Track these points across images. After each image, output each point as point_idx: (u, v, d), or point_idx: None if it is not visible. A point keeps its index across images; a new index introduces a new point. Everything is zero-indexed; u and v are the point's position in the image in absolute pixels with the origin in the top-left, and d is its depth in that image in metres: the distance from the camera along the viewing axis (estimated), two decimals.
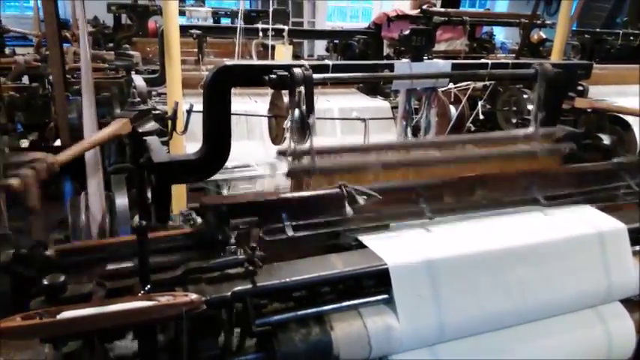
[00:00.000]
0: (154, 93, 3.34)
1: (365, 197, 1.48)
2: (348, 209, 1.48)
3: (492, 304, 1.42)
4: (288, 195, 1.52)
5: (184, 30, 3.88)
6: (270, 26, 3.98)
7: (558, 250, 1.53)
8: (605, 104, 3.41)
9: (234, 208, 1.36)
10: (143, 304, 1.06)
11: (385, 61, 2.04)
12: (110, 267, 1.22)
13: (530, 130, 2.01)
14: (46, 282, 1.10)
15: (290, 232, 1.41)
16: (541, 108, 1.99)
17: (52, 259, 1.22)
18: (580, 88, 3.66)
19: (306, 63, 1.69)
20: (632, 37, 5.27)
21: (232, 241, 1.30)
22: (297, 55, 5.75)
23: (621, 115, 3.54)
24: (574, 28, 5.34)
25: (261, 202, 1.45)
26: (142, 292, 1.13)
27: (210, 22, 6.60)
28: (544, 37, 5.61)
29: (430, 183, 1.67)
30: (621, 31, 5.41)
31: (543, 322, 1.53)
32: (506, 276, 1.45)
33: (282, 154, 1.66)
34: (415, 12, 5.63)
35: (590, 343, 1.60)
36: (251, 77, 1.72)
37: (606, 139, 3.58)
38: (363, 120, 3.34)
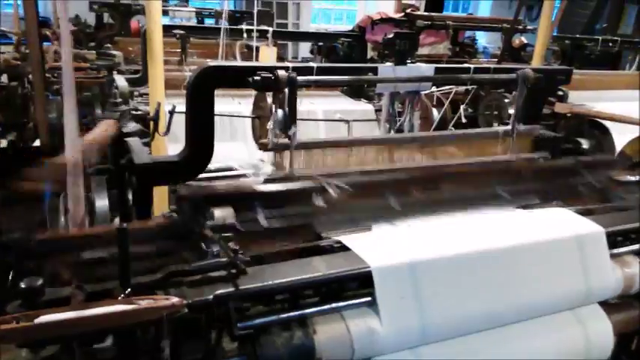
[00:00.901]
0: (136, 93, 3.31)
1: (337, 190, 1.49)
2: (320, 201, 1.48)
3: (474, 306, 1.43)
4: (263, 187, 1.51)
5: (167, 30, 3.85)
6: (254, 27, 3.98)
7: (538, 252, 1.55)
8: (584, 109, 3.47)
9: (209, 198, 1.36)
10: (123, 308, 1.05)
11: (369, 64, 2.05)
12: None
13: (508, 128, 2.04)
14: (23, 285, 1.08)
15: (263, 222, 1.40)
16: (521, 112, 2.02)
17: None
18: (560, 93, 3.72)
19: (290, 65, 1.69)
20: (611, 44, 5.37)
21: (209, 232, 1.29)
22: (281, 57, 5.74)
23: (600, 120, 3.61)
24: (555, 34, 5.42)
25: (236, 193, 1.44)
26: (122, 295, 1.11)
27: (193, 23, 6.56)
28: (525, 42, 5.68)
29: (401, 178, 1.70)
30: (600, 38, 5.50)
31: (523, 323, 1.54)
32: (487, 278, 1.46)
33: (263, 146, 1.65)
34: (399, 15, 5.66)
35: (568, 345, 1.62)
36: (235, 78, 1.71)
37: (585, 144, 3.65)
38: (347, 122, 3.35)
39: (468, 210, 1.68)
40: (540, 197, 1.81)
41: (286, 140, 1.65)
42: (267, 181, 1.61)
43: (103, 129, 1.88)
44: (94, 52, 4.30)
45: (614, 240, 1.71)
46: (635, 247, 1.76)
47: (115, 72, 3.34)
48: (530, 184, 1.83)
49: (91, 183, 2.21)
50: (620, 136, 3.54)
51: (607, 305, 1.72)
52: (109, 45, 4.20)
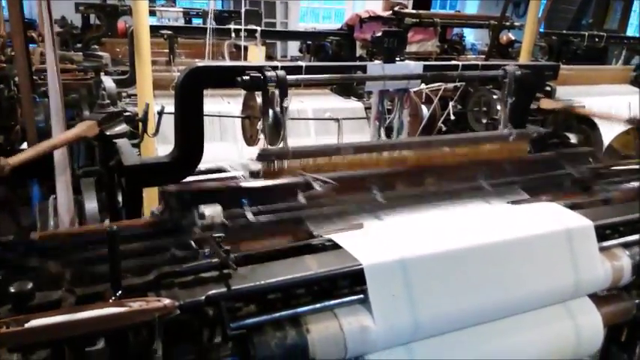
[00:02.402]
0: (124, 94, 3.29)
1: (322, 185, 1.50)
2: (305, 197, 1.49)
3: (465, 301, 1.44)
4: (250, 183, 1.51)
5: (155, 30, 3.82)
6: (242, 27, 3.96)
7: (528, 246, 1.57)
8: (567, 105, 3.50)
9: (197, 195, 1.35)
10: (114, 311, 1.04)
11: (358, 63, 2.05)
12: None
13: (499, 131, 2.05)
14: (13, 290, 1.07)
15: (251, 217, 1.40)
16: (510, 108, 2.03)
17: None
18: (548, 88, 3.76)
19: (279, 64, 1.69)
20: (597, 39, 5.42)
21: (197, 229, 1.29)
22: (270, 56, 5.73)
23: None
24: (541, 30, 5.46)
25: (224, 190, 1.44)
26: (114, 298, 1.11)
27: (181, 23, 6.53)
28: (513, 38, 5.72)
29: (388, 172, 1.70)
30: (587, 33, 5.55)
31: (514, 317, 1.56)
32: (478, 273, 1.47)
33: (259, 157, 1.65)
34: (387, 13, 5.67)
35: (559, 338, 1.63)
36: (223, 78, 1.71)
37: (573, 138, 3.68)
38: (337, 120, 3.35)
39: (458, 204, 1.69)
40: (529, 191, 1.82)
41: (280, 146, 1.64)
42: (253, 175, 1.61)
43: (80, 130, 1.87)
44: (80, 53, 4.26)
45: (603, 233, 1.73)
46: (623, 239, 1.78)
47: (102, 73, 3.32)
48: (517, 177, 1.84)
49: (80, 185, 2.20)
50: (608, 130, 3.59)
51: (596, 297, 1.74)
52: (95, 46, 4.17)
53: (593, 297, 1.72)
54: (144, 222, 1.36)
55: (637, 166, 2.10)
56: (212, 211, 1.29)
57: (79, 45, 6.02)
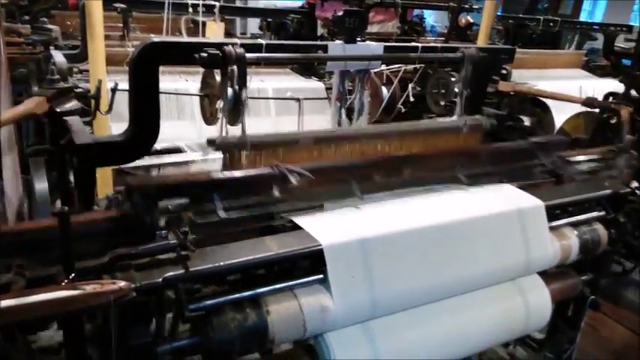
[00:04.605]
0: (75, 70, 3.15)
1: (297, 177, 1.49)
2: (280, 189, 1.48)
3: (422, 280, 1.48)
4: (220, 175, 1.49)
5: (108, 3, 3.67)
6: (200, 2, 3.85)
7: (482, 226, 1.61)
8: (526, 87, 3.59)
9: (163, 189, 1.32)
10: (67, 294, 1.01)
11: (319, 42, 2.03)
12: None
13: (455, 117, 2.09)
14: None
15: (222, 214, 1.39)
16: (467, 91, 2.06)
17: None
18: (504, 71, 3.84)
19: (238, 41, 1.65)
20: (551, 24, 5.54)
21: (162, 225, 1.26)
22: (229, 33, 5.60)
23: (541, 98, 3.75)
24: (499, 13, 5.54)
25: (192, 183, 1.41)
26: (66, 280, 1.07)
27: None
28: (471, 21, 5.79)
29: (359, 163, 1.71)
30: (542, 18, 5.67)
31: (469, 294, 1.61)
32: (434, 252, 1.50)
33: (211, 143, 1.61)
34: None
35: (510, 313, 1.71)
36: (180, 55, 1.65)
37: (527, 121, 3.79)
38: (298, 100, 3.33)
39: (418, 191, 1.71)
40: (485, 174, 1.86)
41: (238, 134, 1.61)
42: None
43: (29, 107, 1.78)
44: (28, 26, 4.05)
45: (553, 213, 1.80)
46: (572, 219, 1.86)
47: (52, 47, 3.17)
48: (484, 166, 1.88)
49: (29, 164, 2.11)
50: (560, 114, 3.71)
51: (545, 275, 1.82)
52: (45, 19, 3.96)
53: (542, 274, 1.80)
54: (103, 217, 1.30)
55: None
56: (176, 203, 1.27)
57: (26, 17, 5.71)
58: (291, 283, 1.31)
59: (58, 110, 1.85)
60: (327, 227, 1.41)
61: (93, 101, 2.16)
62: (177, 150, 2.70)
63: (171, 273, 1.16)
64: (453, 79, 2.58)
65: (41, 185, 2.00)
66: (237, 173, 1.51)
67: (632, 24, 5.33)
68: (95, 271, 1.14)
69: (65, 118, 1.80)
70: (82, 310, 1.07)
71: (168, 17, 3.46)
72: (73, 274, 1.08)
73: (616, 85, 3.59)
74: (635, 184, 2.04)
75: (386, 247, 1.41)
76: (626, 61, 4.67)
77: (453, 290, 1.58)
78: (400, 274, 1.43)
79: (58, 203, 1.91)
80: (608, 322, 3.30)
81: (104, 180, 1.85)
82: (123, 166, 1.51)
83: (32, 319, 1.02)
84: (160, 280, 1.14)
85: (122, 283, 1.06)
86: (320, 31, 5.62)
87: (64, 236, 1.07)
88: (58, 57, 2.45)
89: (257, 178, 1.50)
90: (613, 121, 2.87)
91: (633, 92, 3.08)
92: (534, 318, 1.75)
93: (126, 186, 1.30)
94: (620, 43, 4.89)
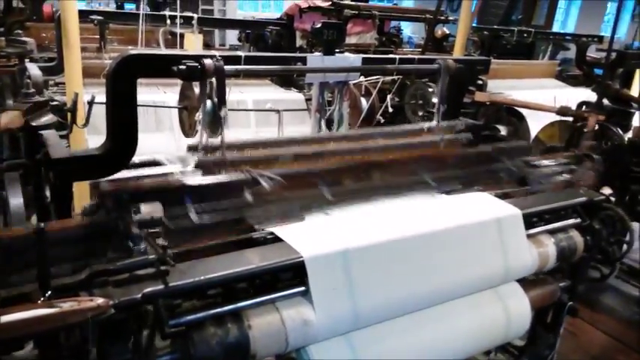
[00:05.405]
0: (51, 82, 3.12)
1: (269, 182, 1.49)
2: (251, 194, 1.47)
3: (403, 290, 1.48)
4: (193, 181, 1.47)
5: (84, 15, 3.64)
6: (178, 14, 3.85)
7: (461, 235, 1.63)
8: (501, 97, 3.66)
9: (135, 194, 1.30)
10: (43, 312, 0.99)
11: (298, 55, 2.04)
12: None
13: (434, 123, 2.11)
14: None
15: (194, 218, 1.37)
16: (444, 101, 2.09)
17: None
18: (480, 82, 3.91)
19: (217, 54, 1.65)
20: (525, 34, 5.67)
21: (135, 230, 1.24)
22: (207, 45, 5.60)
23: (516, 108, 3.82)
24: (474, 25, 5.65)
25: (165, 188, 1.40)
26: (42, 299, 1.05)
27: (112, 8, 6.25)
28: (447, 32, 5.89)
29: (331, 168, 1.71)
30: (516, 29, 5.80)
31: (449, 303, 1.62)
32: (415, 262, 1.51)
33: (193, 149, 1.60)
34: (326, 4, 5.68)
35: (491, 321, 1.72)
36: (158, 67, 1.64)
37: (503, 130, 3.86)
38: (277, 112, 3.34)
39: (395, 197, 1.72)
40: (462, 182, 1.88)
41: (216, 140, 1.61)
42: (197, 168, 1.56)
43: (3, 121, 1.76)
44: (2, 38, 3.98)
45: (530, 221, 1.82)
46: (549, 226, 1.89)
47: (26, 60, 3.13)
48: (453, 170, 1.90)
49: (4, 179, 2.06)
50: (535, 123, 3.79)
51: (524, 282, 1.84)
52: (19, 31, 3.90)
53: (521, 282, 1.82)
54: (76, 224, 1.28)
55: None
56: (150, 208, 1.25)
57: (0, 29, 5.62)
58: (272, 296, 1.30)
59: (34, 124, 1.82)
60: (308, 238, 1.40)
61: (69, 114, 2.13)
62: (155, 163, 2.67)
63: (150, 288, 1.14)
64: (430, 89, 2.63)
65: (16, 200, 1.96)
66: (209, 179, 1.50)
67: (602, 34, 5.48)
68: (72, 288, 1.12)
69: (41, 132, 1.77)
70: (59, 329, 1.05)
71: (146, 29, 3.44)
72: (49, 292, 1.05)
73: (589, 94, 3.69)
74: (608, 190, 2.09)
75: (367, 258, 1.41)
76: (598, 71, 4.79)
77: (434, 300, 1.59)
78: (381, 284, 1.43)
79: (34, 219, 1.87)
80: (587, 328, 3.36)
81: (81, 194, 1.82)
82: (100, 180, 1.49)
83: (7, 338, 0.99)
84: (139, 295, 1.12)
85: (100, 300, 1.04)
86: (299, 42, 5.66)
87: (41, 253, 1.05)
88: (34, 70, 2.42)
89: (229, 184, 1.49)
90: (586, 129, 2.94)
91: (605, 101, 3.17)
92: (514, 325, 1.77)
93: (98, 192, 1.28)
94: (592, 53, 5.03)
